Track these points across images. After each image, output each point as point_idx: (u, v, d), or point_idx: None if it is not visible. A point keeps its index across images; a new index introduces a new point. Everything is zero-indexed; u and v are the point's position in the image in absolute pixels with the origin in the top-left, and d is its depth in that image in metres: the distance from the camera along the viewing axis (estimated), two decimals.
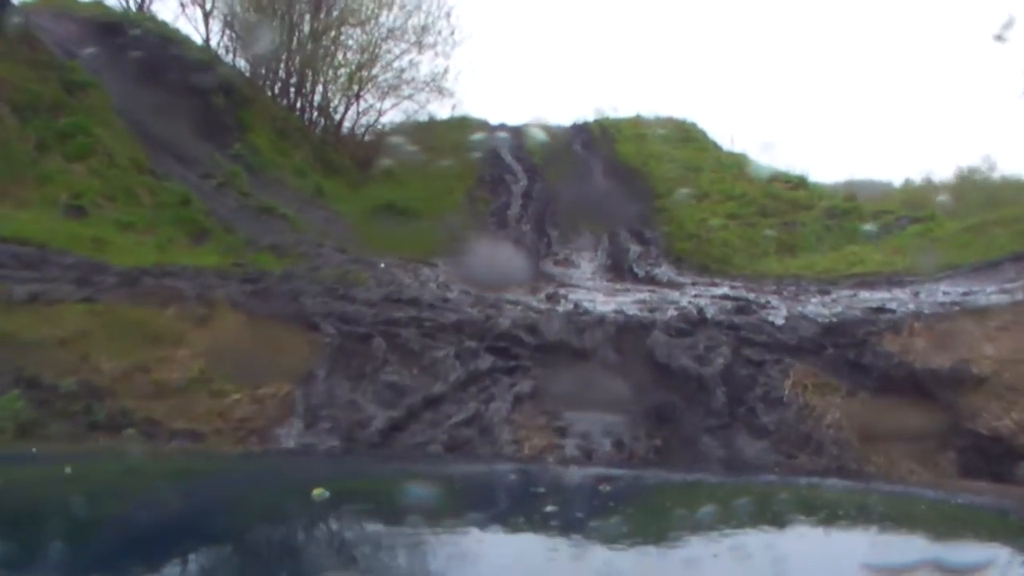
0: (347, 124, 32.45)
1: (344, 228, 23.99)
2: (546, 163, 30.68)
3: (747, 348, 11.45)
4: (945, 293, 17.29)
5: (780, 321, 13.44)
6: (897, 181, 36.16)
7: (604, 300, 16.00)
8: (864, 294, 17.74)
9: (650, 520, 2.96)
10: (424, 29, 31.75)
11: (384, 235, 24.10)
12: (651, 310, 14.46)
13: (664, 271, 21.64)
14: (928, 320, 12.91)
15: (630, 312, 14.02)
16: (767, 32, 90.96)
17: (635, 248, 24.02)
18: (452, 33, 32.25)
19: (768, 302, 16.16)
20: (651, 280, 20.68)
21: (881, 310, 14.49)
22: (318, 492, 2.68)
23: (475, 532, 2.64)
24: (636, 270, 21.93)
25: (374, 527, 2.74)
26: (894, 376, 10.39)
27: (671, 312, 14.14)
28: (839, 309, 15.08)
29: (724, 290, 18.00)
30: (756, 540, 2.56)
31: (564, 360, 10.83)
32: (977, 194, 33.94)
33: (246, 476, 3.60)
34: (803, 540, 2.63)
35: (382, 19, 31.36)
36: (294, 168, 26.89)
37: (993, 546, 2.66)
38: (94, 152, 21.60)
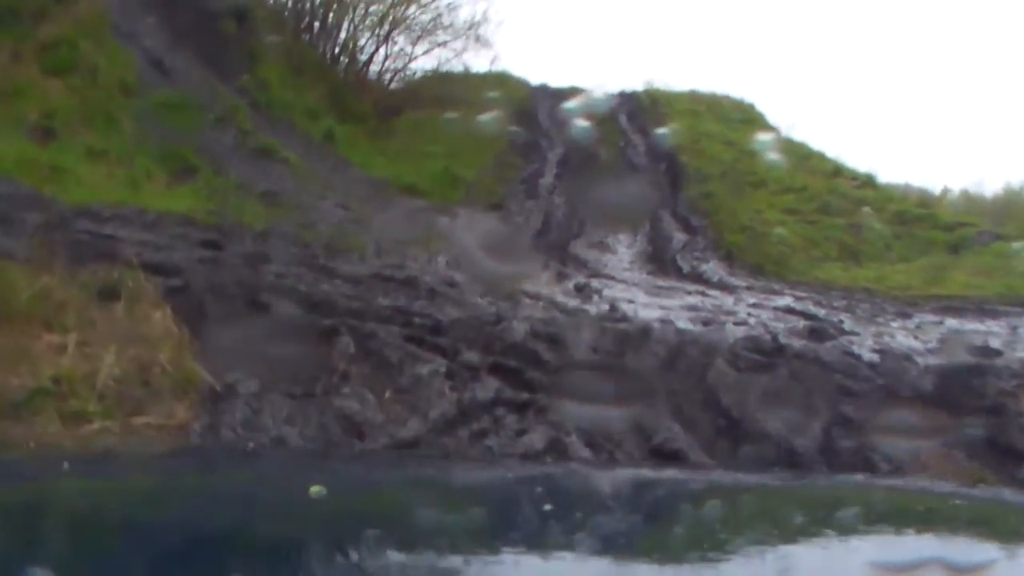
0: (373, 68, 29.41)
1: (354, 180, 21.14)
2: (586, 130, 27.66)
3: (844, 401, 8.46)
4: None
5: (871, 356, 10.57)
6: (935, 189, 32.74)
7: (646, 301, 13.14)
8: (951, 322, 14.83)
9: (651, 519, 2.89)
10: None
11: (400, 186, 21.31)
12: (705, 323, 11.60)
13: (713, 268, 18.66)
14: None
15: (680, 323, 11.15)
16: (824, 22, 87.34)
17: (679, 236, 21.05)
18: None
19: (842, 323, 13.32)
20: (698, 278, 17.74)
21: (987, 350, 11.58)
22: (315, 490, 2.61)
23: (474, 532, 2.52)
24: (680, 263, 18.99)
25: (373, 529, 2.49)
26: None
27: (731, 329, 11.27)
28: (932, 343, 12.18)
29: (787, 301, 15.05)
30: (760, 539, 2.50)
31: (594, 394, 7.89)
32: None
33: (244, 472, 3.62)
34: (808, 540, 2.54)
35: None
36: (306, 109, 23.94)
37: (999, 545, 2.53)
38: (76, 68, 18.92)
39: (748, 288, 16.64)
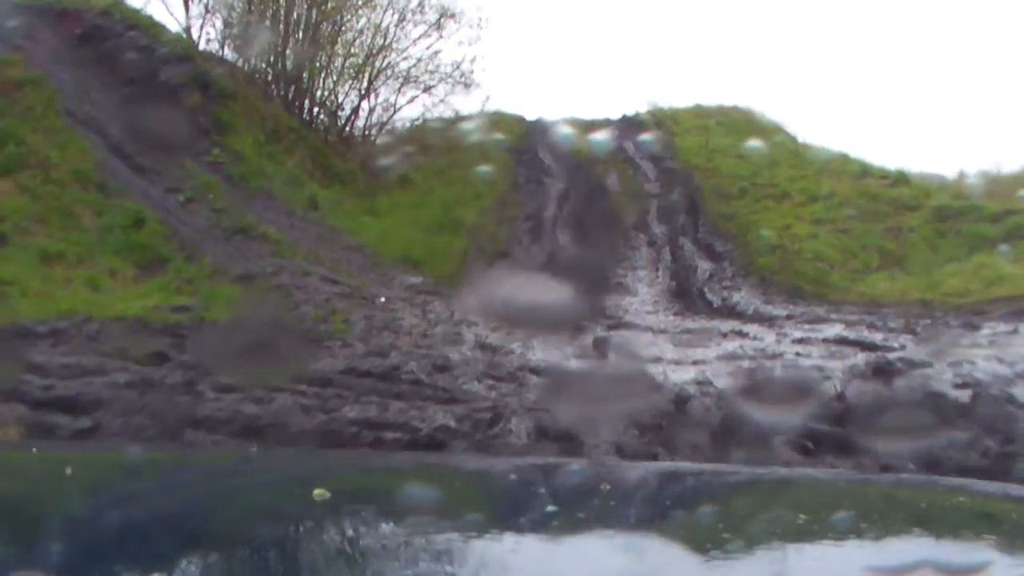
0: (356, 124, 27.70)
1: (343, 249, 19.38)
2: (592, 162, 25.84)
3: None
4: None
5: (955, 395, 8.69)
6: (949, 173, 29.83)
7: (675, 355, 11.24)
8: None
9: (650, 519, 2.68)
10: (445, 10, 27.01)
11: (394, 254, 19.51)
12: (747, 377, 9.70)
13: (746, 298, 16.76)
14: None
15: (720, 381, 9.26)
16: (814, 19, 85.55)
17: (704, 265, 19.16)
18: (478, 16, 27.53)
19: (904, 348, 11.43)
20: (731, 311, 15.87)
21: None
22: (319, 492, 2.47)
23: (474, 532, 2.39)
24: (709, 296, 17.12)
25: (372, 527, 2.49)
26: None
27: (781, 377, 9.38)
28: (1021, 364, 10.24)
29: (837, 329, 13.13)
30: (756, 540, 2.32)
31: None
32: None
33: (246, 475, 3.23)
34: (804, 540, 2.39)
35: None
36: (286, 177, 22.20)
37: (994, 546, 2.34)
38: (25, 165, 17.39)
39: (789, 317, 14.75)
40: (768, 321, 14.44)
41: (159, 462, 3.59)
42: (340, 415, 7.61)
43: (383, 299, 15.76)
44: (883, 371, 9.78)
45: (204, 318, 12.51)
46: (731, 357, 11.02)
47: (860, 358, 10.83)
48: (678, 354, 11.25)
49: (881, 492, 3.29)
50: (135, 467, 3.26)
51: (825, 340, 12.21)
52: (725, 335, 12.92)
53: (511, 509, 2.82)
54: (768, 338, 12.64)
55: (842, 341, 12.12)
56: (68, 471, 2.95)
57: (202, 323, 12.17)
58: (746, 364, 10.41)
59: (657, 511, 2.89)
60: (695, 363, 10.58)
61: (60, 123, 18.99)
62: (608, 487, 3.05)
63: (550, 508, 2.69)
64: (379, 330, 12.94)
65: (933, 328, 13.18)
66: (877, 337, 12.42)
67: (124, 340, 10.64)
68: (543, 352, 11.32)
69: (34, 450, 4.09)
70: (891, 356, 10.68)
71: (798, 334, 12.83)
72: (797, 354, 11.15)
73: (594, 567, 2.08)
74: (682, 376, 9.66)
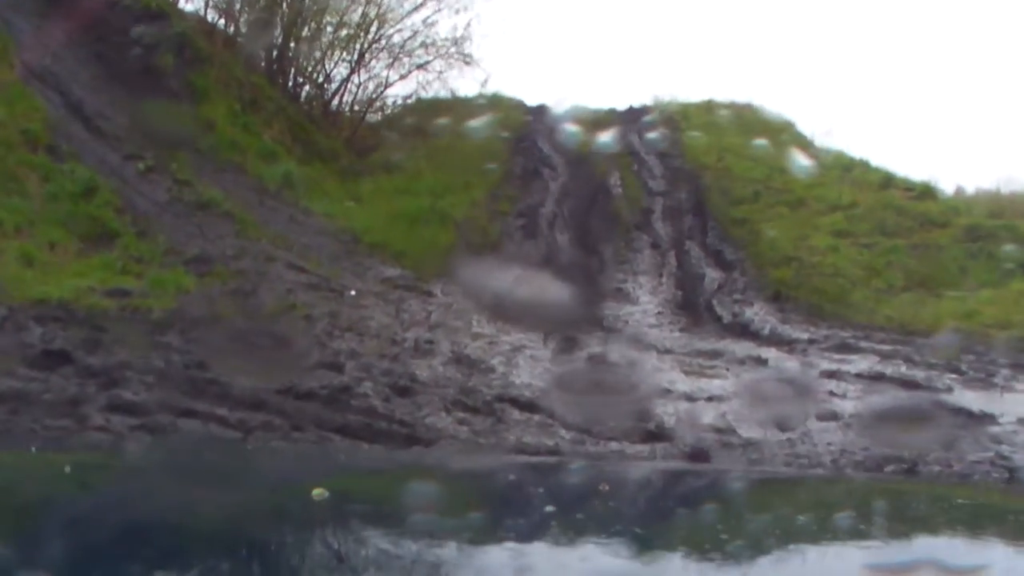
0: (345, 99, 25.80)
1: (316, 233, 17.61)
2: (594, 155, 24.01)
3: None
4: None
5: None
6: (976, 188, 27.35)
7: (686, 386, 9.50)
8: None
9: (649, 518, 2.86)
10: None
11: (373, 242, 17.73)
12: (778, 423, 7.95)
13: (759, 314, 14.93)
14: None
15: (745, 429, 7.50)
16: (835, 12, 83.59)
17: (713, 274, 17.33)
18: None
19: (952, 390, 9.80)
20: (743, 329, 14.09)
21: None
22: (318, 492, 2.59)
23: (473, 530, 2.49)
24: (719, 310, 15.30)
25: (371, 526, 2.57)
26: None
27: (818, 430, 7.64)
28: None
29: (870, 361, 11.41)
30: (756, 539, 2.46)
31: None
32: None
33: (245, 475, 3.36)
34: (804, 540, 2.51)
35: None
36: (261, 150, 20.37)
37: (994, 546, 2.50)
38: None
39: (812, 342, 12.95)
40: (788, 345, 12.69)
41: (156, 461, 3.58)
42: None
43: (353, 292, 14.06)
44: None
45: (138, 307, 10.77)
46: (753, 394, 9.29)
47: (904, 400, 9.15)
48: (690, 385, 9.48)
49: (882, 492, 3.33)
50: (134, 466, 3.30)
51: (859, 375, 10.49)
52: (742, 361, 11.17)
53: (510, 508, 2.88)
54: (792, 368, 10.91)
55: (879, 377, 10.46)
56: (67, 469, 2.99)
57: (134, 313, 10.42)
58: (774, 406, 8.65)
59: (657, 510, 2.97)
60: (711, 399, 8.83)
61: (13, 76, 17.21)
62: (607, 487, 3.05)
63: (549, 507, 2.70)
64: (342, 331, 11.21)
65: (980, 366, 11.45)
66: (918, 374, 10.74)
67: (31, 333, 8.90)
68: (529, 372, 9.58)
69: (33, 449, 4.29)
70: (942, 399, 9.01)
71: (826, 365, 11.12)
72: (831, 392, 9.41)
73: (593, 566, 2.09)
74: (697, 418, 7.91)
